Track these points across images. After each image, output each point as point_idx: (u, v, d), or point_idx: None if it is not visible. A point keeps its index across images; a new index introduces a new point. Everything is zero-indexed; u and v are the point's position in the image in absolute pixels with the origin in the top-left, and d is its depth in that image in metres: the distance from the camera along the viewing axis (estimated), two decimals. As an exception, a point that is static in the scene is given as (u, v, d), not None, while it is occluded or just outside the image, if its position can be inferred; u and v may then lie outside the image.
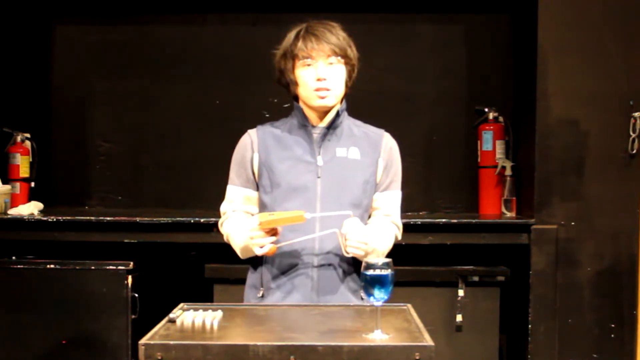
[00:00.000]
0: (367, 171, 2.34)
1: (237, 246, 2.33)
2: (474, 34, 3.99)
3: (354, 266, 2.31)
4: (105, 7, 4.09)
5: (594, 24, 3.40)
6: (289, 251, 2.27)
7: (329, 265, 2.27)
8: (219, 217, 3.45)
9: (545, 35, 3.42)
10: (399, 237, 2.43)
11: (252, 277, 2.40)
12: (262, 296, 2.32)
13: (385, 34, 4.01)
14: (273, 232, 2.20)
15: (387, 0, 4.02)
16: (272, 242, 2.20)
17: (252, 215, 2.38)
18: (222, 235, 2.43)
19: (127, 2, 4.07)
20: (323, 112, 2.34)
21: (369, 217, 2.39)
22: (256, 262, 2.37)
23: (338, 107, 2.34)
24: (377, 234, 2.29)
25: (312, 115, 2.35)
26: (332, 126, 2.33)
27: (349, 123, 2.39)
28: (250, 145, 2.37)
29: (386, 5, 4.00)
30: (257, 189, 2.37)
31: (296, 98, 2.38)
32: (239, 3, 4.03)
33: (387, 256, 2.32)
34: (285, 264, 2.29)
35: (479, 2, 3.97)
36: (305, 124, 2.34)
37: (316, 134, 2.34)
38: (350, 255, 2.22)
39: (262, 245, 2.19)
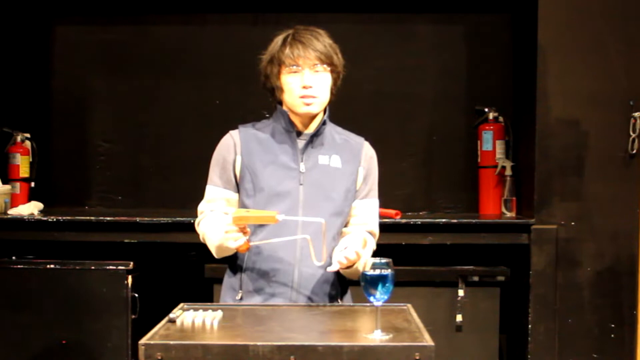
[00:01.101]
0: (349, 179, 2.35)
1: (212, 245, 2.31)
2: (474, 34, 3.99)
3: (334, 273, 2.30)
4: (105, 7, 4.09)
5: (594, 24, 3.40)
6: (269, 256, 2.27)
7: (310, 272, 2.27)
8: (219, 217, 3.45)
9: (545, 35, 3.41)
10: (374, 247, 2.40)
11: (230, 279, 2.38)
12: (241, 299, 2.31)
13: (385, 34, 4.01)
14: (244, 230, 2.17)
15: (387, 0, 4.02)
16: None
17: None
18: (199, 235, 2.42)
19: (127, 2, 4.07)
20: (308, 119, 2.34)
21: (346, 225, 2.38)
22: (235, 265, 2.36)
23: (321, 114, 2.34)
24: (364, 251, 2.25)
25: (297, 121, 2.35)
26: (316, 134, 2.34)
27: (330, 130, 2.39)
28: (233, 147, 2.36)
29: (386, 5, 4.00)
30: (238, 191, 2.37)
31: (281, 102, 2.38)
32: (239, 3, 4.03)
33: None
34: (265, 269, 2.28)
35: (479, 2, 3.96)
36: (289, 130, 2.34)
37: (300, 140, 2.34)
38: (320, 264, 2.18)
39: (237, 239, 2.16)
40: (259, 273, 2.29)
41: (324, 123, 2.34)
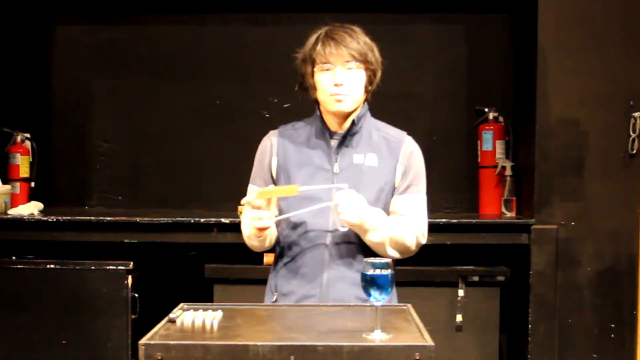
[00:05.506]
0: (384, 178, 2.32)
1: (245, 235, 2.35)
2: (474, 34, 3.99)
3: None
4: (105, 7, 4.09)
5: (594, 24, 3.40)
6: (299, 258, 2.29)
7: (339, 274, 2.27)
8: (219, 217, 3.47)
9: (545, 35, 3.41)
10: (422, 241, 2.37)
11: (270, 281, 2.42)
12: (275, 300, 2.34)
13: (385, 34, 3.99)
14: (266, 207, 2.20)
15: (387, 0, 4.02)
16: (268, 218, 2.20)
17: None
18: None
19: (127, 2, 4.07)
20: (342, 118, 2.33)
21: None
22: (273, 267, 2.40)
23: (357, 112, 2.33)
24: (380, 213, 2.26)
25: (331, 121, 2.35)
26: (350, 132, 2.32)
27: (369, 128, 2.37)
28: (270, 148, 2.38)
29: (386, 5, 4.00)
30: None
31: (318, 102, 2.37)
32: (239, 3, 4.03)
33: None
34: (295, 271, 2.31)
35: (479, 2, 3.96)
36: (323, 131, 2.34)
37: (334, 140, 2.34)
38: (345, 229, 2.20)
39: (260, 219, 2.18)
40: (290, 275, 2.32)
41: (353, 123, 2.32)
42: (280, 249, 2.39)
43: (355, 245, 2.29)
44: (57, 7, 4.11)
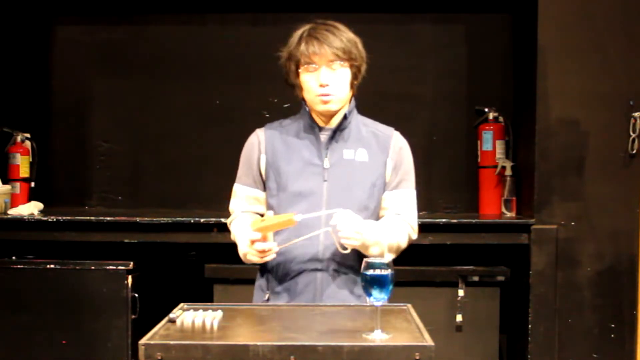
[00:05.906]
0: (375, 173, 2.31)
1: (240, 252, 2.31)
2: (474, 34, 3.99)
3: (358, 271, 2.30)
4: (105, 7, 4.09)
5: (594, 24, 3.40)
6: (293, 256, 2.27)
7: (333, 270, 2.26)
8: (219, 217, 3.47)
9: (545, 35, 3.41)
10: (413, 237, 2.37)
11: (259, 280, 2.40)
12: (268, 299, 2.33)
13: (385, 34, 4.01)
14: (265, 238, 2.17)
15: (387, 0, 4.02)
16: (270, 248, 2.17)
17: (260, 215, 2.37)
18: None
19: (127, 2, 4.07)
20: (329, 116, 2.32)
21: (379, 218, 2.36)
22: (263, 266, 2.37)
23: (345, 108, 2.33)
24: (376, 225, 2.25)
25: (319, 117, 2.33)
26: (339, 128, 2.31)
27: (357, 123, 2.36)
28: (258, 145, 2.36)
29: (386, 5, 4.00)
30: (265, 189, 2.36)
31: (304, 99, 2.36)
32: (239, 3, 4.03)
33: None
34: (289, 269, 2.28)
35: (479, 2, 3.96)
36: (312, 126, 2.33)
37: (323, 136, 2.32)
38: (347, 251, 2.20)
39: (261, 255, 2.17)
40: (283, 274, 2.30)
41: (344, 117, 2.31)
42: None
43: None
44: (57, 7, 4.11)
